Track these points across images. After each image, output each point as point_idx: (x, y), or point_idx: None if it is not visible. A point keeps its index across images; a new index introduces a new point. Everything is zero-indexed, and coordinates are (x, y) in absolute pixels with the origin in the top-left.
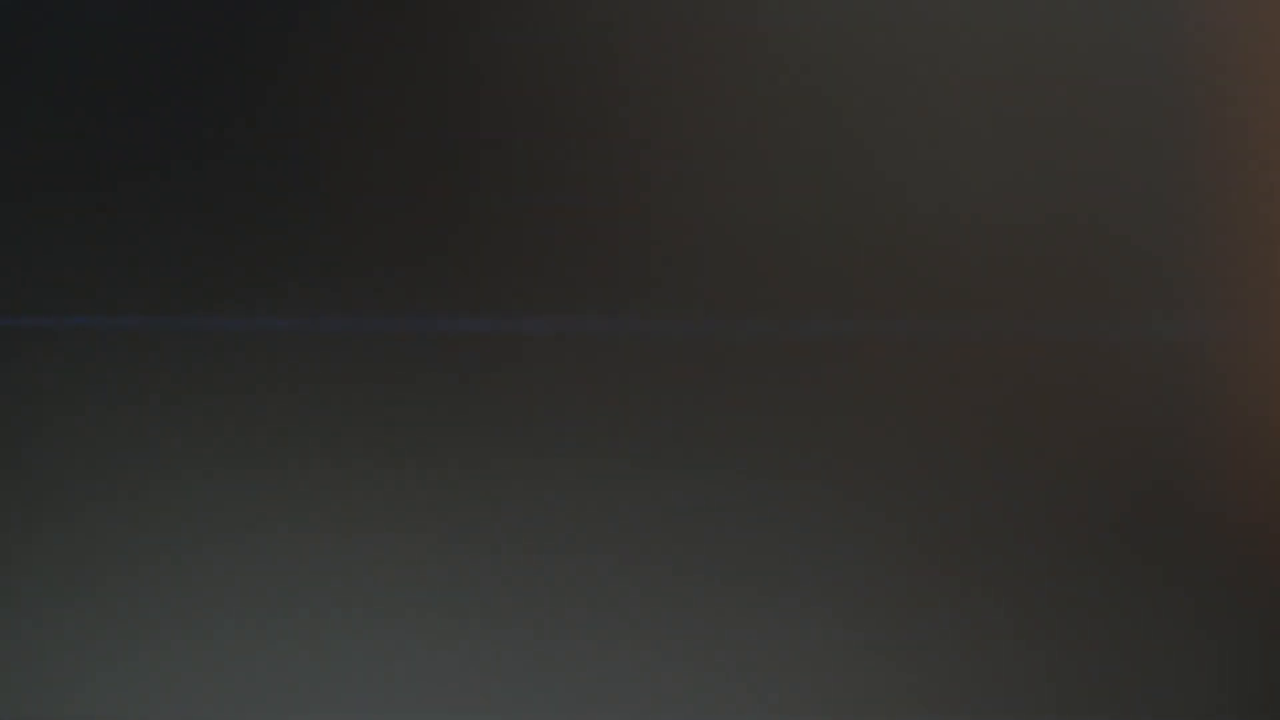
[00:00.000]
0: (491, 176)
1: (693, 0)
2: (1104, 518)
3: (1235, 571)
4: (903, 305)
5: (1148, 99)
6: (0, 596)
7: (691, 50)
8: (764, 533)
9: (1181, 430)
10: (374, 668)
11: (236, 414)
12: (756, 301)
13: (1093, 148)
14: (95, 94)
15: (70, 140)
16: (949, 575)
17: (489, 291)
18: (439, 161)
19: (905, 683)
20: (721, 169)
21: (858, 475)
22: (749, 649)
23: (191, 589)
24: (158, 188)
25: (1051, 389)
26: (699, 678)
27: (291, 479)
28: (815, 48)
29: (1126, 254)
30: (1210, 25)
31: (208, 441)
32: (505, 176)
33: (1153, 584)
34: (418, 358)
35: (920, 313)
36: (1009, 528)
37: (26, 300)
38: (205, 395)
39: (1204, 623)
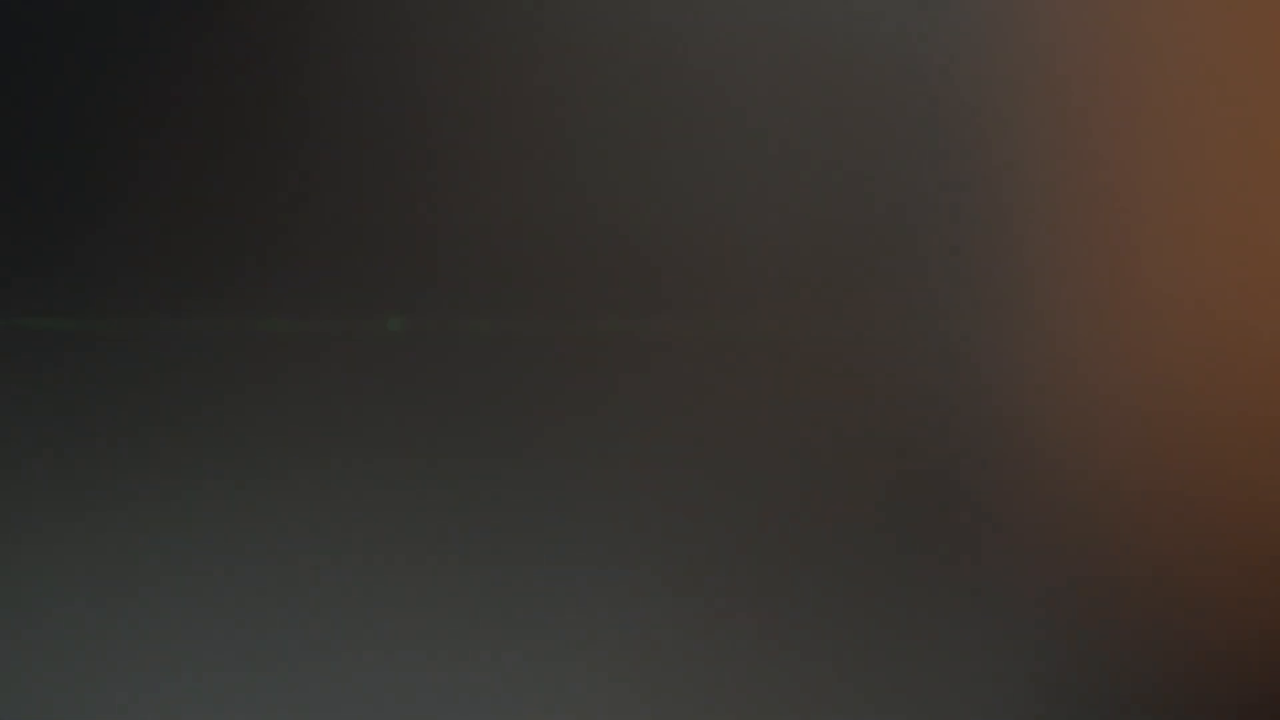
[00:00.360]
0: (287, 178)
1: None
2: (879, 516)
3: (1015, 572)
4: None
5: (782, 99)
6: None
7: (447, 49)
8: (532, 528)
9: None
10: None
11: (62, 414)
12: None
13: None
14: None
15: None
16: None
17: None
18: (236, 159)
19: (682, 682)
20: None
21: (632, 472)
22: (515, 646)
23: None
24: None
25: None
26: (473, 675)
27: (113, 477)
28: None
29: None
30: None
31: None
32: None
33: (915, 584)
34: (236, 359)
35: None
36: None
37: None
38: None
39: (984, 622)
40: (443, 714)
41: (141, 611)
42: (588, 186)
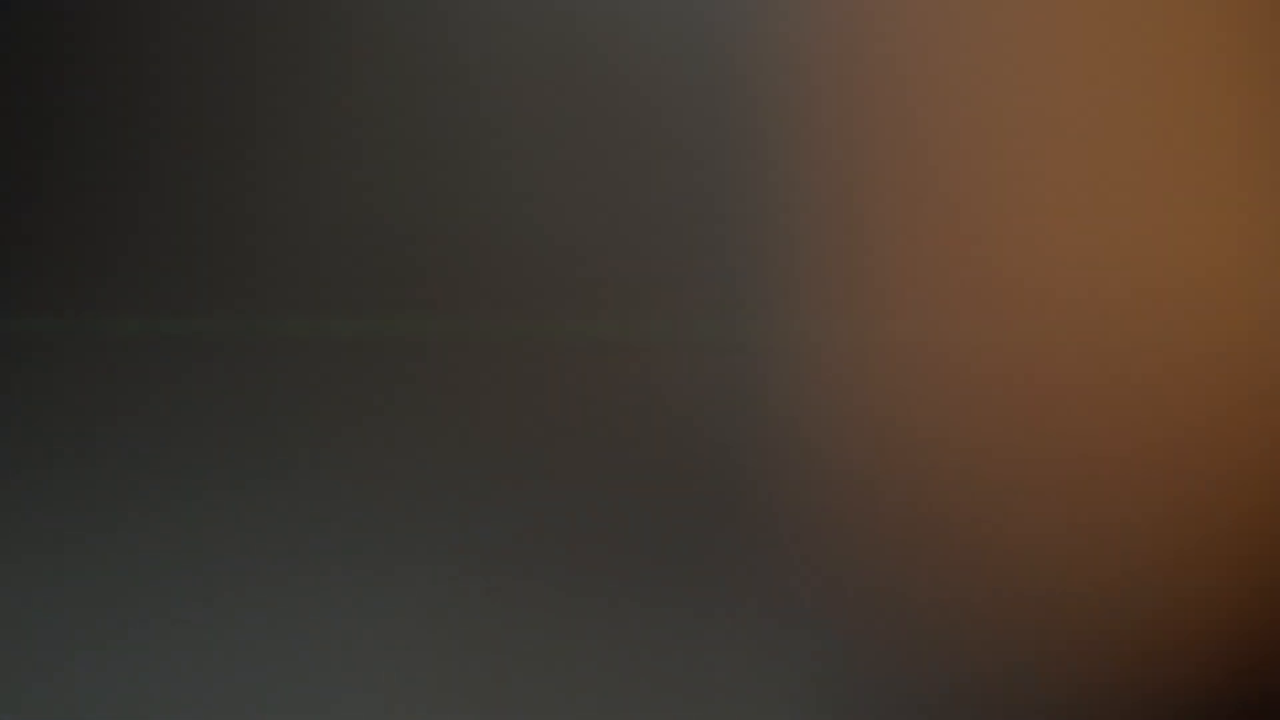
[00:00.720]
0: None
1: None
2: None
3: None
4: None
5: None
6: None
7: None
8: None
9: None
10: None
11: None
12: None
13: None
14: None
15: None
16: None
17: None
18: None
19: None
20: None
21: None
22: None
23: None
24: None
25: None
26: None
27: None
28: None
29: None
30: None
31: None
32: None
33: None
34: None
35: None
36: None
37: None
38: None
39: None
40: (241, 702)
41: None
42: (373, 185)
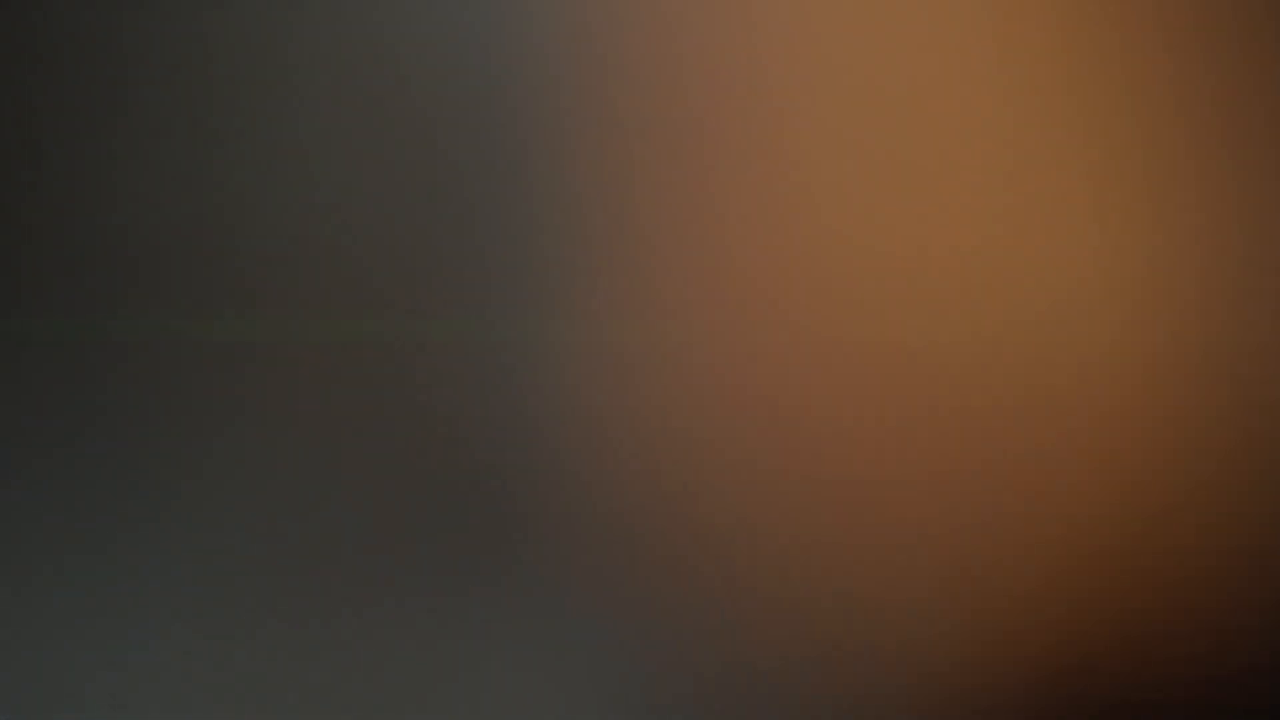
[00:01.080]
0: None
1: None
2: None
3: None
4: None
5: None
6: None
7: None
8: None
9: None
10: None
11: None
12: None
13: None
14: None
15: None
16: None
17: None
18: None
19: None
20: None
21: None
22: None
23: None
24: None
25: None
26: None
27: None
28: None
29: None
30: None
31: None
32: None
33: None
34: None
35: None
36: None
37: None
38: None
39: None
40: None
41: None
42: (183, 188)
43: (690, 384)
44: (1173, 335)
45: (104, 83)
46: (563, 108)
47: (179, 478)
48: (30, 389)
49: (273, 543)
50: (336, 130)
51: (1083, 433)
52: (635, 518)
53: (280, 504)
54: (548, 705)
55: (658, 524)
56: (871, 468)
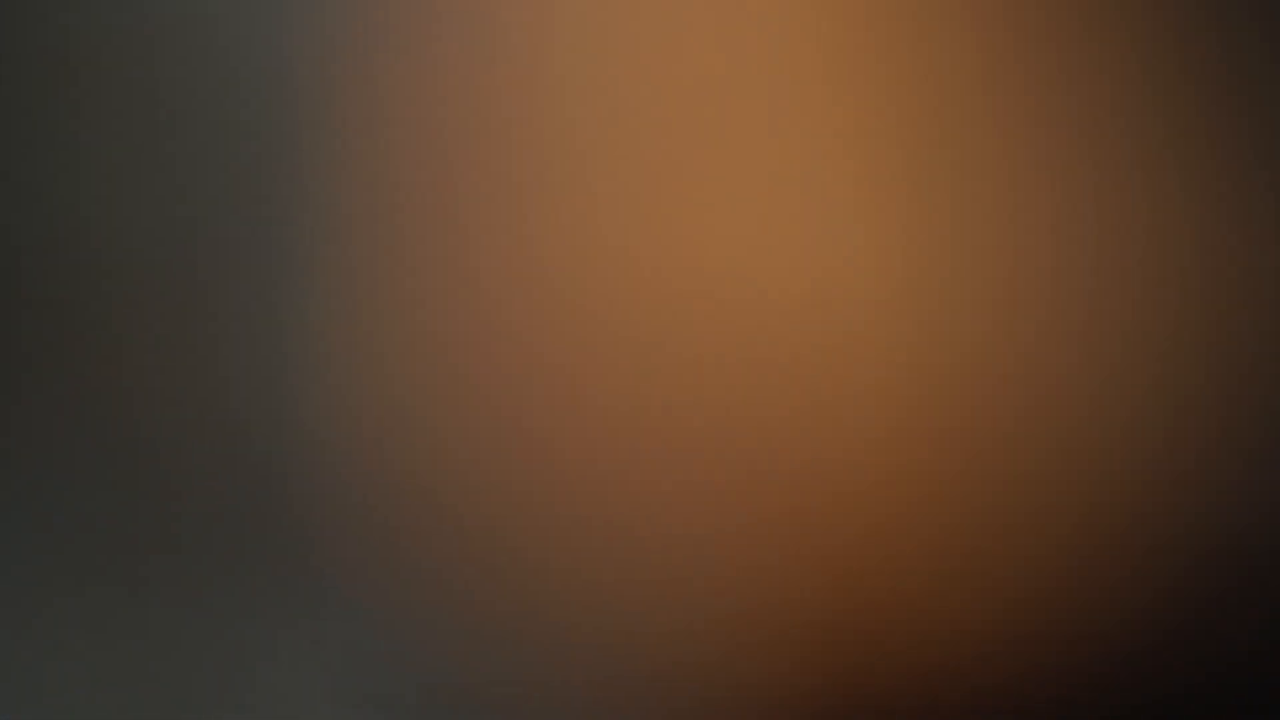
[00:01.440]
0: None
1: None
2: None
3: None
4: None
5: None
6: None
7: None
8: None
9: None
10: None
11: None
12: None
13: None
14: None
15: None
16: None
17: None
18: None
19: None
20: None
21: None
22: None
23: None
24: None
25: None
26: None
27: None
28: None
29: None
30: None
31: None
32: None
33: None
34: None
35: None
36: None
37: None
38: None
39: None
40: None
41: None
42: None
43: (458, 380)
44: (958, 338)
45: None
46: (333, 105)
47: None
48: None
49: (21, 540)
50: (109, 130)
51: (876, 440)
52: (405, 516)
53: (43, 498)
54: (308, 701)
55: (426, 523)
56: (653, 468)
